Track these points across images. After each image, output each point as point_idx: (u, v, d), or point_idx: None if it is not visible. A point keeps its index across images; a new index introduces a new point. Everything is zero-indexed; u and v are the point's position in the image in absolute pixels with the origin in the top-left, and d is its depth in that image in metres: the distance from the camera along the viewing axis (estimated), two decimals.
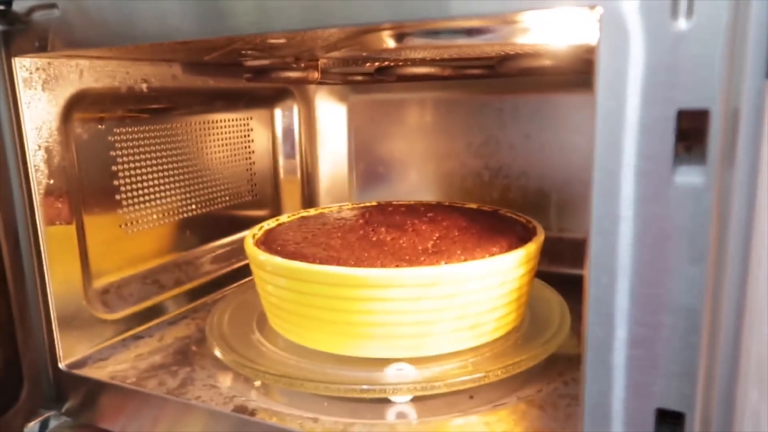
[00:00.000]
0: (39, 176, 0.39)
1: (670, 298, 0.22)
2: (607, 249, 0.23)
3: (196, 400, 0.36)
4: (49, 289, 0.40)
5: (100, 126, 0.46)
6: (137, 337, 0.46)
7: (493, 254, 0.39)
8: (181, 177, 0.54)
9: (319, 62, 0.46)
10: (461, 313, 0.38)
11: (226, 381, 0.39)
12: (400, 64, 0.43)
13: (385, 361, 0.38)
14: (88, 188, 0.45)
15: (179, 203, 0.54)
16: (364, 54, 0.36)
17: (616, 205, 0.23)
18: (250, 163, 0.63)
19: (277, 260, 0.40)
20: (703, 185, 0.21)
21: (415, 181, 0.68)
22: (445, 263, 0.38)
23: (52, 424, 0.42)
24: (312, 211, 0.54)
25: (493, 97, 0.63)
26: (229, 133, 0.60)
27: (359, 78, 0.58)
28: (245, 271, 0.59)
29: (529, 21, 0.29)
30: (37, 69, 0.39)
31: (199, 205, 0.57)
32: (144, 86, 0.47)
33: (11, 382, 0.38)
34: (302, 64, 0.47)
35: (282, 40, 0.35)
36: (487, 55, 0.37)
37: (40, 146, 0.39)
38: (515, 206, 0.62)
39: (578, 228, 0.61)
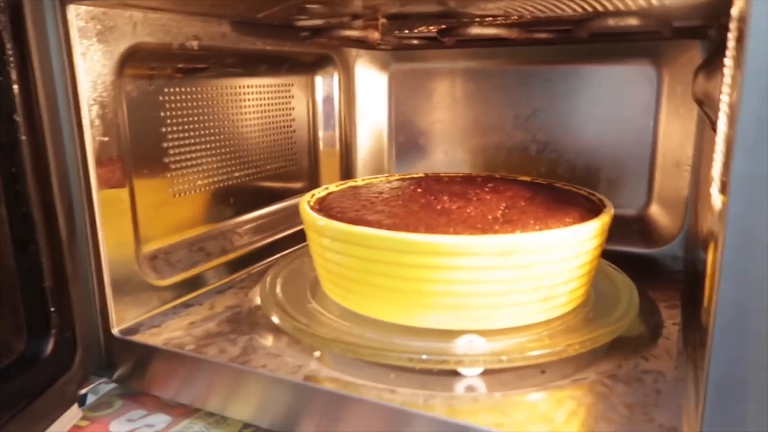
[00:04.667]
0: (94, 132, 0.37)
1: None
2: (749, 210, 0.21)
3: (263, 368, 0.35)
4: (102, 252, 0.38)
5: (149, 84, 0.43)
6: (187, 305, 0.44)
7: (567, 224, 0.38)
8: (225, 142, 0.52)
9: (379, 22, 0.44)
10: (535, 285, 0.36)
11: (286, 350, 0.38)
12: (467, 22, 0.41)
13: (453, 333, 0.37)
14: (139, 149, 0.43)
15: (223, 169, 0.52)
16: (441, 8, 0.33)
17: (761, 162, 0.21)
18: (291, 131, 0.61)
19: (341, 226, 0.38)
20: None
21: (458, 155, 0.66)
22: (520, 232, 0.36)
23: (102, 390, 0.41)
24: (360, 181, 0.52)
25: (543, 67, 0.60)
26: (272, 98, 0.58)
27: (416, 42, 0.56)
28: (287, 242, 0.57)
29: None
30: (92, 18, 0.37)
31: (243, 173, 0.55)
32: (195, 44, 0.44)
33: (66, 348, 0.37)
34: (359, 25, 0.45)
35: None
36: (572, 13, 0.35)
37: (95, 100, 0.37)
38: (563, 181, 0.60)
39: (629, 204, 0.59)
